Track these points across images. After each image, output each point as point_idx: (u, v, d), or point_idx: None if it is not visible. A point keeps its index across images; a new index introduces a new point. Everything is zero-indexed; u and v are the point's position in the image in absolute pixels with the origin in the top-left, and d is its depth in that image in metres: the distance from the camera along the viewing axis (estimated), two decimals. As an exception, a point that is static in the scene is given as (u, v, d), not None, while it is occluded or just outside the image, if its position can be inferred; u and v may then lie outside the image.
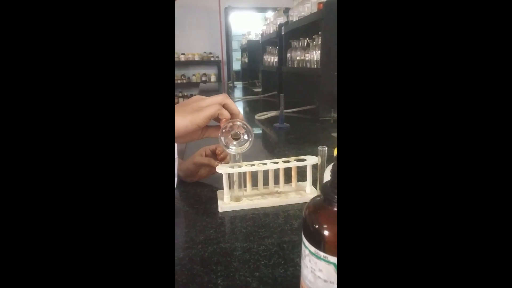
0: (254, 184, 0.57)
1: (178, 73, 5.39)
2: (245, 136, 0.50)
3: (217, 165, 0.55)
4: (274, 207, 0.53)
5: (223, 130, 0.48)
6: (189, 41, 5.14)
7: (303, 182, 0.58)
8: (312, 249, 0.24)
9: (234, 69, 4.95)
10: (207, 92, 2.92)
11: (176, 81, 5.34)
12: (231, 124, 0.48)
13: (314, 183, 0.57)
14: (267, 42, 2.21)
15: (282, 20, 1.90)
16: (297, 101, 1.55)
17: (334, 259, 0.23)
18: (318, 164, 0.53)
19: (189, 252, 0.40)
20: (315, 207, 0.26)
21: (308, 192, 0.56)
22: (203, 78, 5.38)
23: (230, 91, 2.69)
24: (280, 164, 0.55)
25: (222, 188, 0.54)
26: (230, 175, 0.53)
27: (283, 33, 1.74)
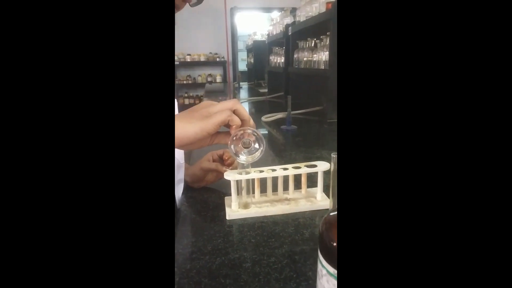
0: (263, 190, 0.55)
1: (183, 73, 5.40)
2: (256, 145, 0.48)
3: (224, 170, 0.53)
4: (283, 215, 0.51)
5: (233, 138, 0.46)
6: (195, 41, 5.15)
7: (314, 188, 0.56)
8: (331, 269, 0.23)
9: (239, 70, 4.95)
10: (213, 93, 2.91)
11: (181, 82, 5.35)
12: (241, 132, 0.46)
13: (325, 190, 0.55)
14: (274, 42, 2.19)
15: (289, 20, 1.88)
16: (303, 102, 1.53)
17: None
18: (331, 171, 0.50)
19: (196, 264, 0.39)
20: (333, 222, 0.24)
21: (319, 199, 0.54)
22: (209, 79, 5.38)
23: (236, 92, 2.67)
24: (290, 170, 0.53)
25: (229, 194, 0.52)
26: (238, 182, 0.51)
27: (290, 33, 1.72)
